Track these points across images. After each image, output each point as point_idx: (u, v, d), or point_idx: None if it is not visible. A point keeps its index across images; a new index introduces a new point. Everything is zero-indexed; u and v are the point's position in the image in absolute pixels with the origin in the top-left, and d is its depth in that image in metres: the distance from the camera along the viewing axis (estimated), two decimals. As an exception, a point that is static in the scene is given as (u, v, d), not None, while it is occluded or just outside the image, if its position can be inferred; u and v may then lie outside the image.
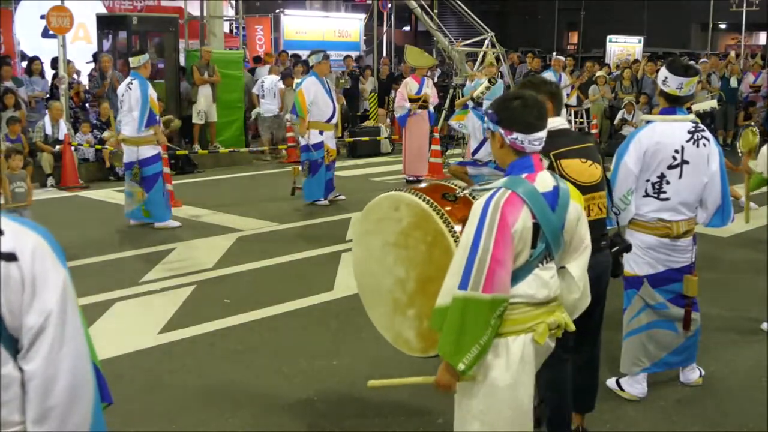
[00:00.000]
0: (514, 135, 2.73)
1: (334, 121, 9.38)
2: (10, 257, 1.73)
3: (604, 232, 3.66)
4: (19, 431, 1.79)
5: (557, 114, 3.64)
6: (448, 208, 3.16)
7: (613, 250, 3.73)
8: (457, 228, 3.04)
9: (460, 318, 2.62)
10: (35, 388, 1.76)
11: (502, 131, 2.76)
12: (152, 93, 8.32)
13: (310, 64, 9.37)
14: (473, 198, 3.02)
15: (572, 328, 2.86)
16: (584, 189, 3.50)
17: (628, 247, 3.79)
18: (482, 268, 2.58)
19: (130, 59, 8.52)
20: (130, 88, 8.20)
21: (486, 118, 2.87)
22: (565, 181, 2.85)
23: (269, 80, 13.99)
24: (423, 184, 3.41)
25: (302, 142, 9.26)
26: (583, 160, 3.57)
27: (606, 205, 3.65)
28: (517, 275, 2.70)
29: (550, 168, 3.49)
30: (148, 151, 8.34)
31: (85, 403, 1.84)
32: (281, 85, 13.86)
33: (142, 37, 12.99)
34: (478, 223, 2.63)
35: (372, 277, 3.50)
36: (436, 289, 2.74)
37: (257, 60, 15.99)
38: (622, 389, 4.47)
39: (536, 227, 2.68)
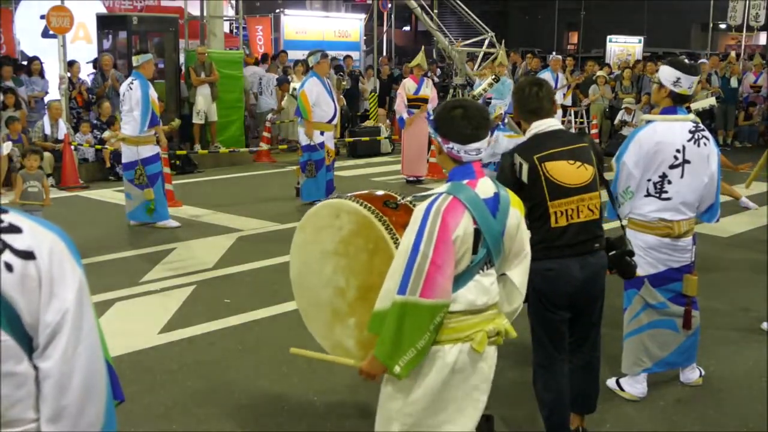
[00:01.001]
0: (451, 145, 2.75)
1: (335, 121, 9.38)
2: (29, 255, 1.73)
3: (598, 234, 3.62)
4: (32, 429, 1.79)
5: (546, 116, 3.62)
6: (389, 216, 3.13)
7: (611, 253, 3.70)
8: (400, 235, 3.00)
9: (398, 322, 2.62)
10: (51, 385, 1.76)
11: (440, 139, 2.78)
12: (153, 93, 8.32)
13: (310, 65, 9.37)
14: (413, 205, 3.02)
15: (514, 335, 2.85)
16: (571, 191, 3.51)
17: (628, 252, 3.75)
18: (421, 273, 2.58)
19: (133, 58, 8.55)
20: (131, 88, 8.20)
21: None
22: (507, 189, 2.87)
23: (267, 77, 14.42)
24: (363, 192, 3.36)
25: (304, 142, 9.26)
26: (571, 161, 3.53)
27: (598, 207, 3.61)
28: (458, 281, 2.69)
29: (533, 171, 3.50)
30: (147, 151, 8.35)
31: (98, 401, 1.85)
32: (275, 82, 14.33)
33: (142, 37, 12.99)
34: (418, 228, 2.63)
35: (309, 290, 3.45)
36: (377, 297, 2.73)
37: (264, 59, 16.04)
38: (622, 389, 4.48)
39: (477, 233, 2.68)
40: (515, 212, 2.81)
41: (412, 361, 2.65)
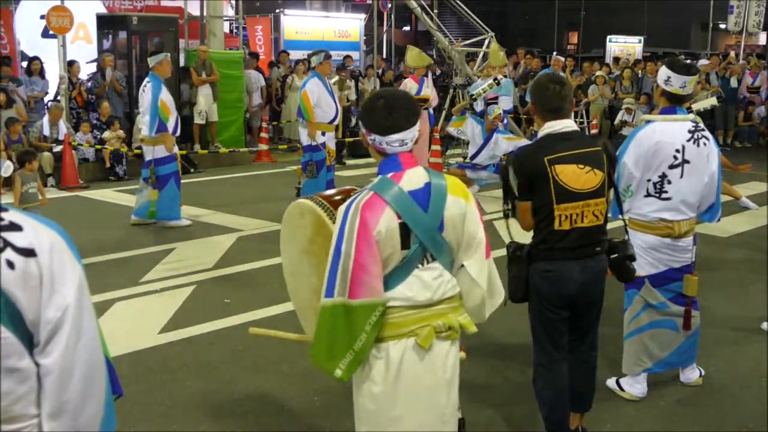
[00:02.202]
0: (372, 136, 2.66)
1: (336, 122, 9.37)
2: (29, 253, 1.75)
3: (601, 238, 3.60)
4: (34, 425, 1.80)
5: (565, 116, 3.58)
6: None
7: (612, 256, 3.69)
8: None
9: (331, 326, 2.55)
10: (52, 381, 1.77)
11: (364, 130, 2.70)
12: (164, 96, 8.30)
13: (312, 65, 9.36)
14: None
15: (472, 330, 2.73)
16: (578, 195, 3.48)
17: (629, 257, 3.73)
18: (346, 274, 2.51)
19: (148, 60, 8.64)
20: (144, 90, 8.33)
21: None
22: (447, 176, 2.73)
23: (254, 75, 14.62)
24: (330, 191, 3.29)
25: (306, 142, 9.25)
26: (581, 165, 3.49)
27: (604, 212, 3.57)
28: (394, 277, 2.61)
29: (541, 175, 3.47)
30: (161, 152, 8.40)
31: (98, 396, 1.86)
32: (262, 81, 14.69)
33: (142, 37, 12.99)
34: (339, 228, 2.56)
35: (296, 288, 3.43)
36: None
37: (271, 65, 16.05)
38: (622, 389, 4.48)
39: (405, 227, 2.58)
40: (456, 200, 2.66)
41: (352, 363, 2.58)
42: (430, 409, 2.70)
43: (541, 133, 3.62)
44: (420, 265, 2.64)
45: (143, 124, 8.47)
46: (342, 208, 2.61)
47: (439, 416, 2.72)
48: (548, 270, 3.54)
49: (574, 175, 3.48)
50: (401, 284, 2.62)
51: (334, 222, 2.86)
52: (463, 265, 2.74)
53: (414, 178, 2.65)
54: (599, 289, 3.66)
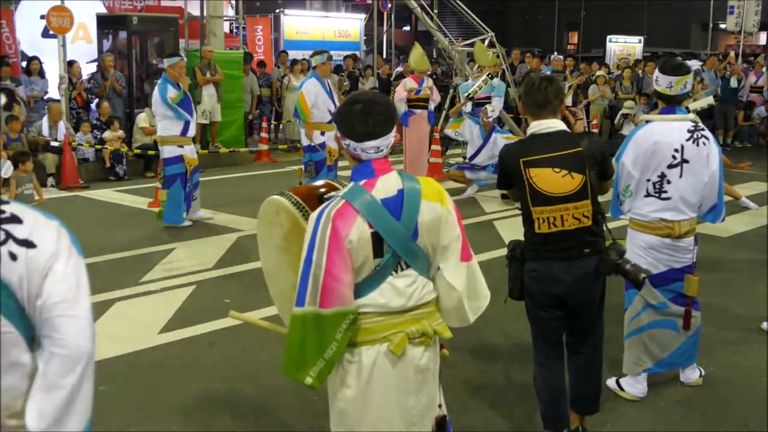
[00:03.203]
0: (347, 141, 2.61)
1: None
2: (30, 244, 1.78)
3: (589, 240, 3.54)
4: None
5: (551, 114, 3.55)
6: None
7: (604, 261, 3.60)
8: None
9: (301, 335, 2.53)
10: (61, 359, 1.80)
11: (339, 134, 2.65)
12: (172, 95, 8.34)
13: (313, 64, 9.36)
14: None
15: (447, 335, 2.69)
16: (552, 199, 3.45)
17: (618, 266, 3.61)
18: (317, 284, 2.48)
19: (164, 59, 8.88)
20: (155, 91, 8.53)
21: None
22: (421, 180, 2.66)
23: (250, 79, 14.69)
24: (306, 186, 3.24)
25: (305, 143, 9.26)
26: (557, 169, 3.45)
27: (589, 214, 3.50)
28: (367, 285, 2.58)
29: (516, 176, 3.47)
30: (167, 152, 8.46)
31: (88, 394, 1.88)
32: (256, 89, 14.80)
33: (142, 37, 13.00)
34: (311, 236, 2.52)
35: (273, 279, 3.40)
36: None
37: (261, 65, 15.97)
38: (622, 389, 4.47)
39: (377, 236, 2.53)
40: (431, 206, 2.61)
41: (323, 372, 2.56)
42: (400, 413, 2.68)
43: (528, 132, 3.64)
44: (394, 273, 2.60)
45: (157, 123, 8.68)
46: (313, 216, 2.56)
47: (407, 418, 2.69)
48: (533, 270, 3.57)
49: (548, 179, 3.46)
50: (374, 291, 2.59)
51: (307, 221, 2.80)
52: (439, 268, 2.69)
53: (387, 185, 2.60)
54: (592, 290, 3.62)
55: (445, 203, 2.66)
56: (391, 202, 2.57)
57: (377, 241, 2.54)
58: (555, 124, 3.57)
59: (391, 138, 2.62)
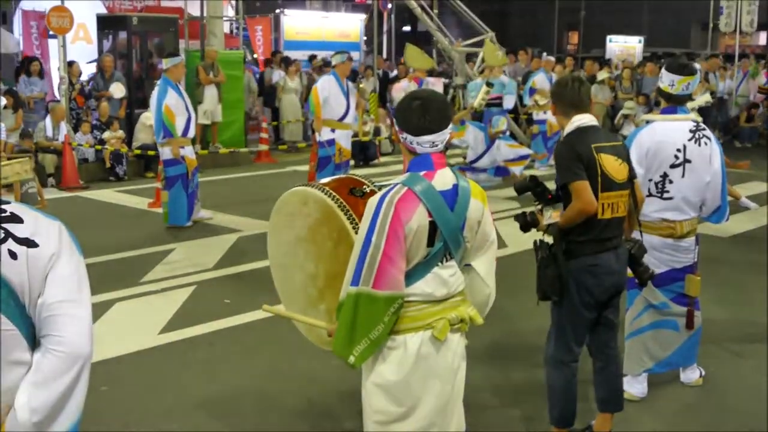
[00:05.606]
0: (404, 135, 2.73)
1: (347, 120, 9.33)
2: (30, 243, 1.79)
3: (622, 230, 3.72)
4: None
5: (588, 112, 3.69)
6: (354, 205, 3.07)
7: (641, 247, 3.78)
8: None
9: (353, 313, 2.62)
10: (59, 356, 1.81)
11: (397, 128, 2.77)
12: (170, 101, 8.27)
13: (333, 63, 9.49)
14: None
15: (479, 321, 2.83)
16: (616, 185, 3.60)
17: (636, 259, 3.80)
18: (373, 265, 2.57)
19: (163, 60, 8.74)
20: (154, 94, 8.42)
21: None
22: (470, 181, 2.83)
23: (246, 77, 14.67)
24: (332, 178, 3.35)
25: (318, 138, 9.29)
26: (615, 157, 3.62)
27: (628, 205, 3.69)
28: (416, 273, 2.68)
29: (590, 161, 3.53)
30: (167, 154, 8.44)
31: (81, 392, 1.88)
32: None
33: (142, 38, 12.99)
34: (371, 219, 2.61)
35: (285, 271, 3.45)
36: (342, 285, 2.72)
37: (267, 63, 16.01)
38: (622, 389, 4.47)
39: (433, 225, 2.65)
40: (476, 204, 2.76)
41: (366, 351, 2.64)
42: (439, 399, 2.76)
43: (570, 127, 3.68)
44: (440, 263, 2.71)
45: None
46: (374, 200, 2.65)
47: (443, 406, 2.78)
48: (594, 264, 3.61)
49: (613, 165, 3.59)
50: (421, 280, 2.69)
51: (344, 212, 2.96)
52: (469, 264, 2.83)
53: (444, 178, 2.72)
54: (626, 278, 3.78)
55: (486, 204, 2.83)
56: (447, 195, 2.69)
57: (432, 230, 2.65)
58: (594, 120, 3.72)
59: (446, 134, 2.74)
